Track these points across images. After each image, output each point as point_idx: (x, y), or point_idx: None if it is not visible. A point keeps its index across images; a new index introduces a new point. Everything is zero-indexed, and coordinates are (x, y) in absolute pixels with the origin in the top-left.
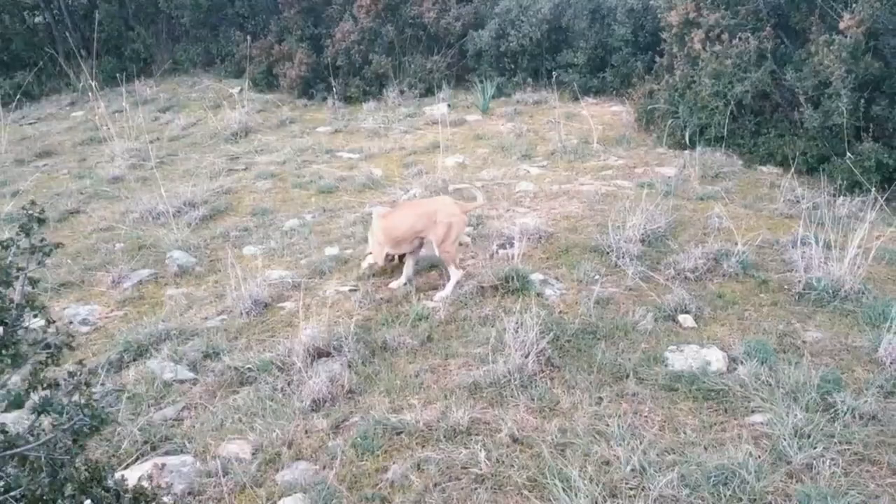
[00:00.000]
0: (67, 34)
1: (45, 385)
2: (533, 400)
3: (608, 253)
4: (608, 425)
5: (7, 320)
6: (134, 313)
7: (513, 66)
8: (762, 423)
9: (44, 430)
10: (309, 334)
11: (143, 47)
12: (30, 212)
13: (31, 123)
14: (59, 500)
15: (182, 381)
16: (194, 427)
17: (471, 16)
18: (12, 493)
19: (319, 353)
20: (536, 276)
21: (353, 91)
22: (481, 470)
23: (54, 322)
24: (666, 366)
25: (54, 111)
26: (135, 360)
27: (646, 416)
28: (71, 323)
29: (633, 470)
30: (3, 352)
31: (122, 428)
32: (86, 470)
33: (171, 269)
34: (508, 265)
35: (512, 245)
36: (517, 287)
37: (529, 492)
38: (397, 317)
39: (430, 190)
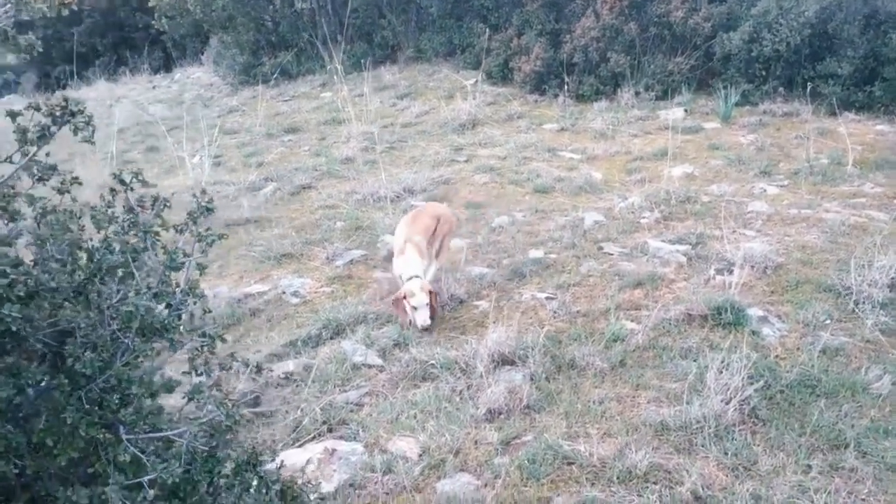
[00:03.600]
0: (326, 20)
1: (198, 372)
2: (726, 454)
3: (845, 295)
4: (813, 501)
5: (172, 303)
6: (340, 291)
7: (763, 73)
8: None
9: (187, 418)
10: (496, 339)
11: (392, 35)
12: (199, 201)
13: (285, 101)
14: (215, 479)
15: (370, 367)
16: (371, 416)
17: (723, 16)
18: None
19: (503, 360)
20: (754, 311)
21: (586, 89)
22: None
23: (210, 311)
24: None
25: (307, 91)
26: (332, 338)
27: (863, 500)
28: (283, 293)
29: None
30: (165, 334)
31: (307, 405)
32: (248, 452)
33: (381, 253)
34: (723, 294)
35: (731, 272)
36: (730, 321)
37: None
38: (591, 334)
39: (651, 200)
